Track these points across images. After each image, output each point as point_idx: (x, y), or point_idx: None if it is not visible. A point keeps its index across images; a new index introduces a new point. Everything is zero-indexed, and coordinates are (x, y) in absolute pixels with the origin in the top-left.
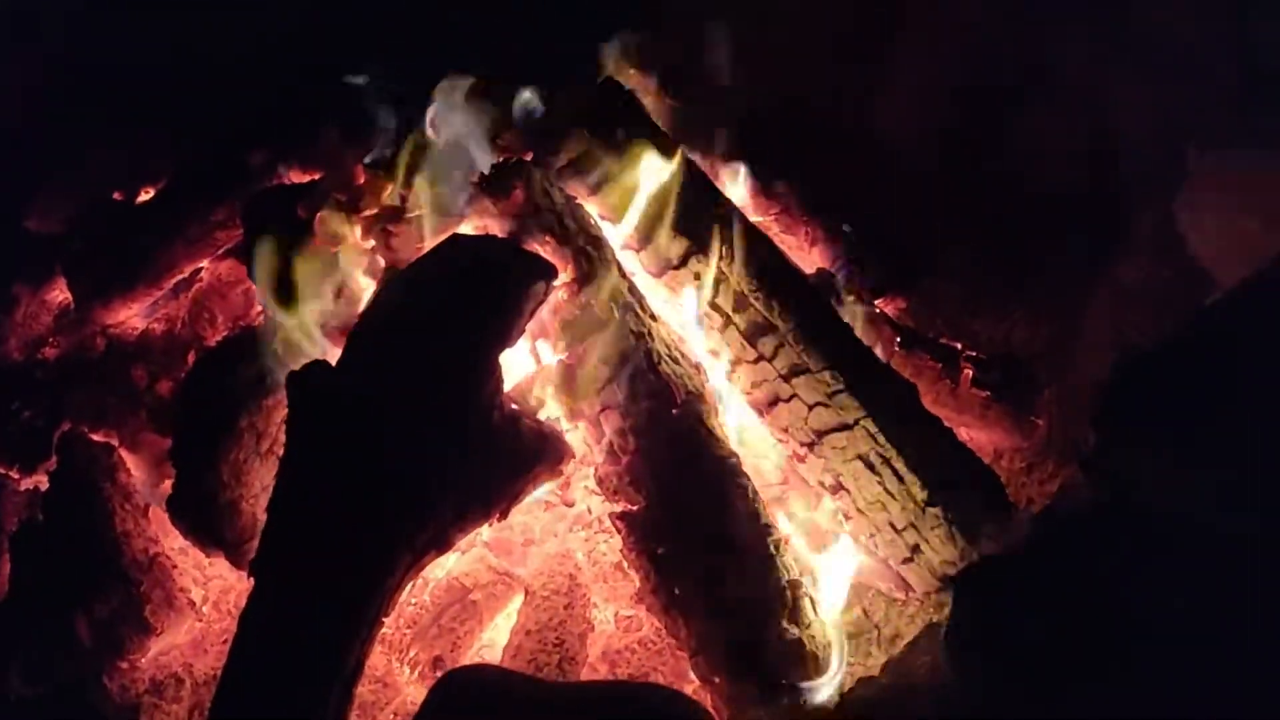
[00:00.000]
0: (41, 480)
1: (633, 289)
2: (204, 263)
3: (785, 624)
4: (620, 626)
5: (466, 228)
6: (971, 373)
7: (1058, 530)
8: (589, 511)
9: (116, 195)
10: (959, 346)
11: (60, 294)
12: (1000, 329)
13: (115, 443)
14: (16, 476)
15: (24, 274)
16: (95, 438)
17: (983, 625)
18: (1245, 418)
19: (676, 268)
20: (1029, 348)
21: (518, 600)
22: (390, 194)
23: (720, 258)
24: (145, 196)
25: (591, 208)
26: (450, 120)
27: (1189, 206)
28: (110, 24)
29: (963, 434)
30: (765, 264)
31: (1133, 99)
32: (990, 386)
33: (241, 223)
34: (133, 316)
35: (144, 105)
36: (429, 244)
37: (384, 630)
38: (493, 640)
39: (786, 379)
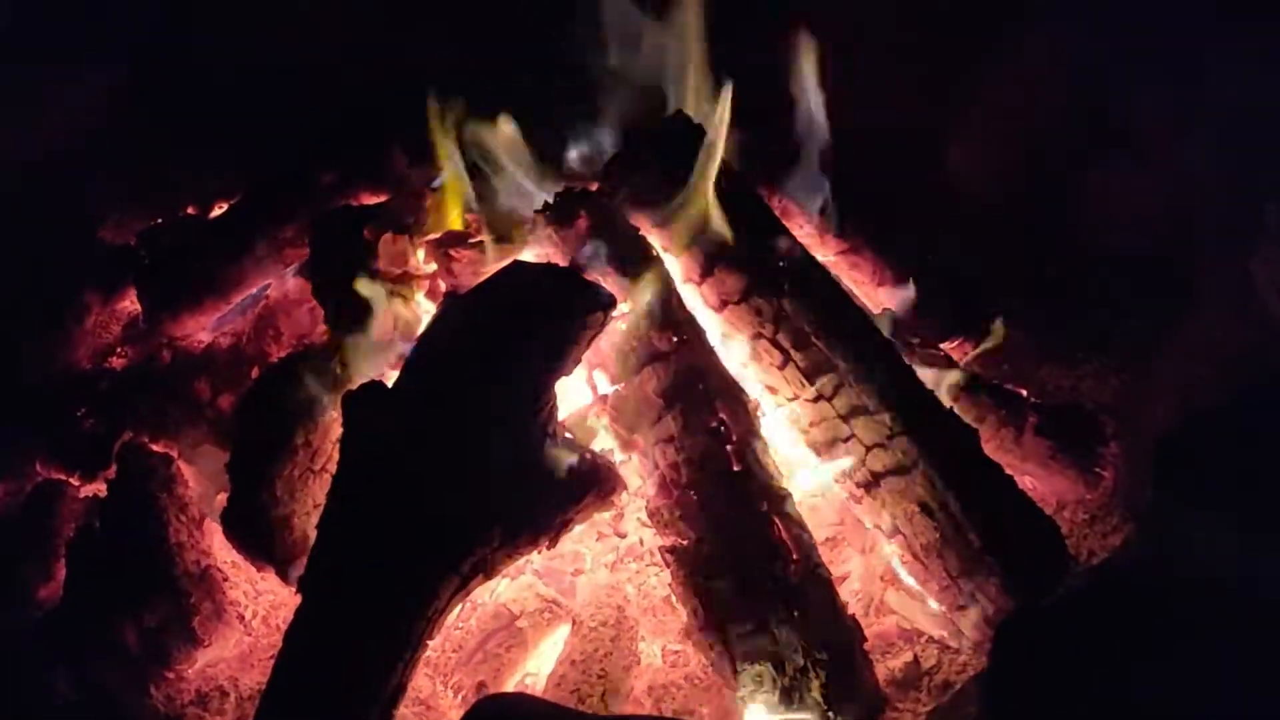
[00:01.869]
0: (100, 488)
1: (692, 322)
2: (271, 279)
3: (835, 670)
4: (667, 661)
5: (528, 255)
6: (1036, 421)
7: (1105, 584)
8: (641, 544)
9: (189, 210)
10: (1024, 394)
11: (130, 305)
12: (1068, 379)
13: (174, 454)
14: (76, 483)
15: (96, 283)
16: (155, 448)
17: (1021, 675)
18: None
19: (737, 302)
20: (1097, 399)
21: (564, 630)
22: (455, 218)
23: (782, 294)
24: (217, 212)
25: (654, 240)
26: (515, 148)
27: (1267, 264)
28: (187, 40)
29: (1025, 483)
30: (828, 302)
31: (1208, 155)
32: (1055, 436)
33: (309, 242)
34: (199, 330)
35: (219, 123)
36: (490, 270)
37: (429, 653)
38: (537, 669)
39: (845, 419)
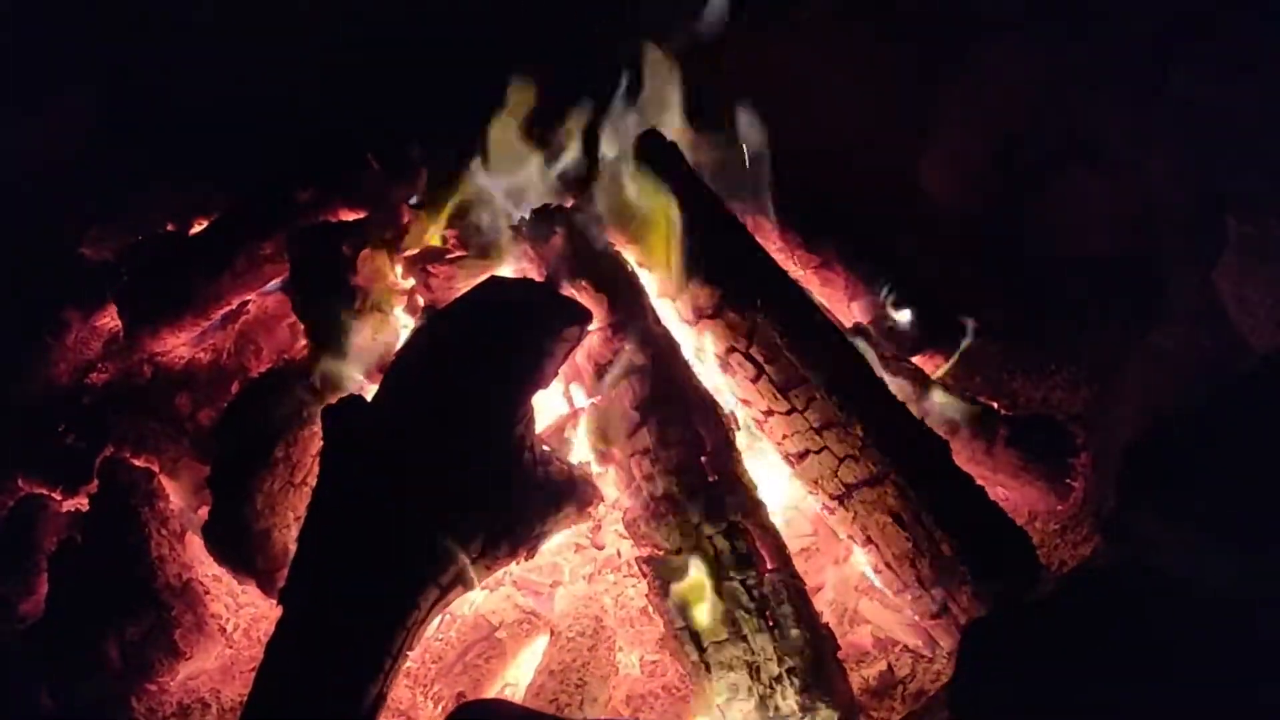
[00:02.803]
0: (82, 502)
1: (667, 336)
2: (251, 296)
3: (809, 678)
4: (645, 671)
5: (505, 270)
6: (1007, 432)
7: (1070, 589)
8: (618, 555)
9: (169, 227)
10: (995, 405)
11: (110, 321)
12: (1039, 390)
13: (156, 468)
14: (58, 498)
15: (76, 300)
16: (136, 463)
17: (986, 679)
18: (1270, 487)
19: (710, 316)
20: (1067, 410)
21: (543, 640)
22: (432, 235)
23: (755, 308)
24: (196, 229)
25: (629, 255)
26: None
27: (1229, 275)
28: (165, 60)
29: (996, 494)
30: (800, 316)
31: (1172, 167)
32: (1026, 447)
33: (288, 258)
34: (180, 345)
35: (197, 140)
36: (468, 285)
37: (409, 664)
38: (516, 679)
39: (818, 431)
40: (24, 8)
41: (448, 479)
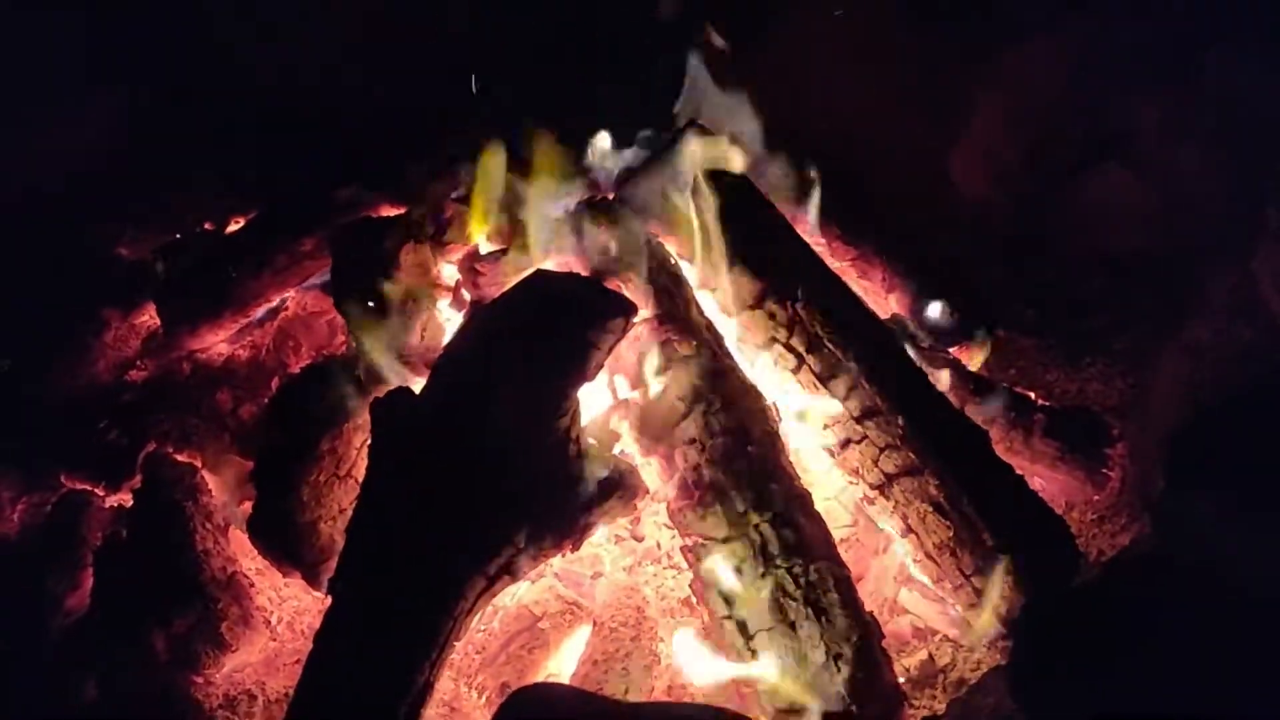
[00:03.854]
0: (126, 498)
1: (710, 327)
2: (290, 292)
3: (856, 665)
4: None
5: (551, 264)
6: (1044, 423)
7: (1122, 575)
8: (658, 547)
9: (207, 225)
10: (1032, 396)
11: (149, 319)
12: (1075, 381)
13: (198, 464)
14: (102, 494)
15: (115, 299)
16: (179, 458)
17: (1044, 661)
18: None
19: (752, 308)
20: (1103, 401)
21: (585, 630)
22: (475, 229)
23: (795, 299)
24: (235, 226)
25: (671, 247)
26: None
27: (1269, 266)
28: (201, 58)
29: (1034, 484)
30: (840, 307)
31: (1207, 158)
32: (1063, 437)
33: (330, 253)
34: (219, 342)
35: (237, 136)
36: (514, 279)
37: (453, 655)
38: (559, 669)
39: (858, 421)
40: (57, 9)
41: (495, 471)
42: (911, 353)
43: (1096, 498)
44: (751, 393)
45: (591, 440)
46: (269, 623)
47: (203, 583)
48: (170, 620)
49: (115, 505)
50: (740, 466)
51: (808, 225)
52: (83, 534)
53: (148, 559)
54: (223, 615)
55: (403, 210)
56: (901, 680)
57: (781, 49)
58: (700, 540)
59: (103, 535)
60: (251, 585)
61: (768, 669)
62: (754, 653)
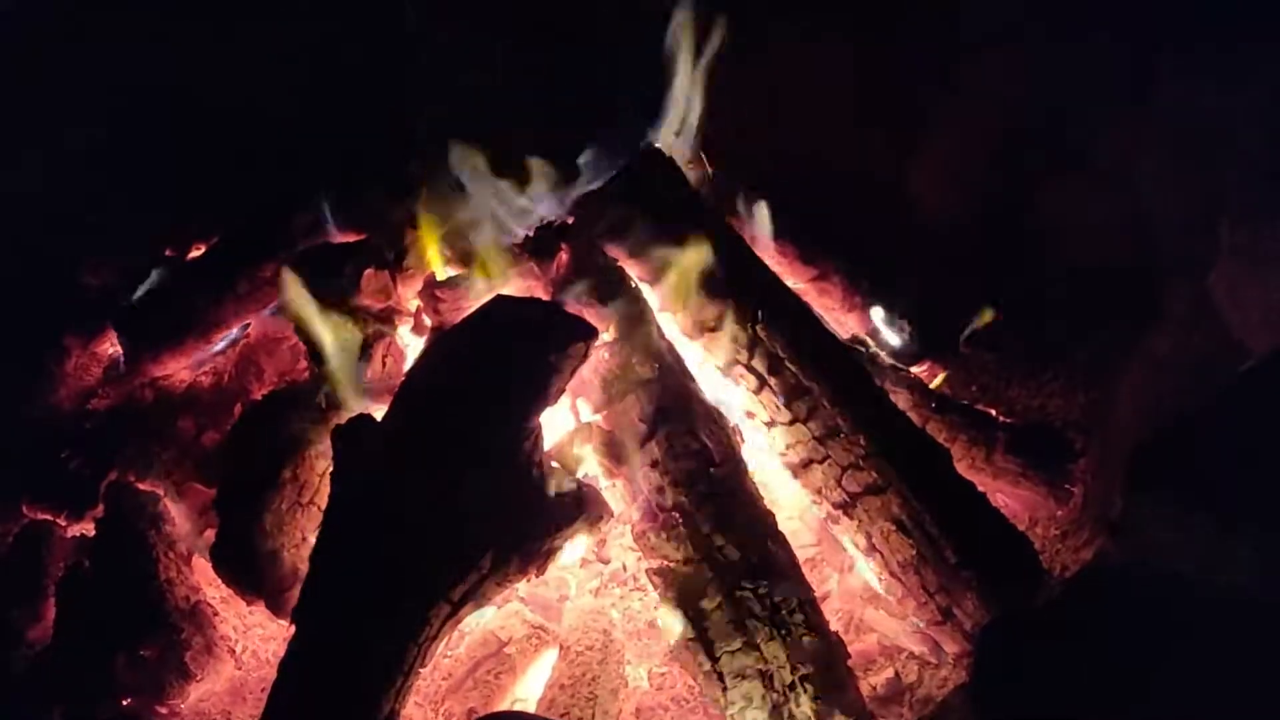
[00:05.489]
0: (88, 527)
1: (671, 350)
2: (252, 318)
3: (822, 685)
4: (654, 684)
5: (511, 289)
6: (1006, 440)
7: (1084, 589)
8: (624, 569)
9: (168, 252)
10: (994, 413)
11: (111, 346)
12: (1036, 398)
13: (161, 492)
14: (64, 523)
15: (76, 326)
16: (142, 487)
17: (1007, 675)
18: (1274, 484)
19: (713, 330)
20: (1065, 416)
21: (552, 655)
22: (434, 254)
23: (756, 321)
24: (196, 253)
25: (631, 270)
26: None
27: (1224, 279)
28: (164, 83)
29: (997, 501)
30: (801, 328)
31: (1165, 174)
32: (1025, 454)
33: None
34: (181, 369)
35: (196, 163)
36: (475, 304)
37: (419, 682)
38: (527, 694)
39: (821, 441)
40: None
41: (458, 497)
42: (872, 372)
43: (1059, 513)
44: (714, 415)
45: (555, 464)
46: (234, 652)
47: (166, 612)
48: (134, 650)
49: (78, 535)
50: (703, 488)
51: (765, 245)
52: (45, 564)
53: (111, 589)
54: (187, 645)
55: (363, 236)
56: (868, 698)
57: (740, 64)
58: (665, 563)
59: (65, 565)
60: (216, 614)
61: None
62: (719, 674)
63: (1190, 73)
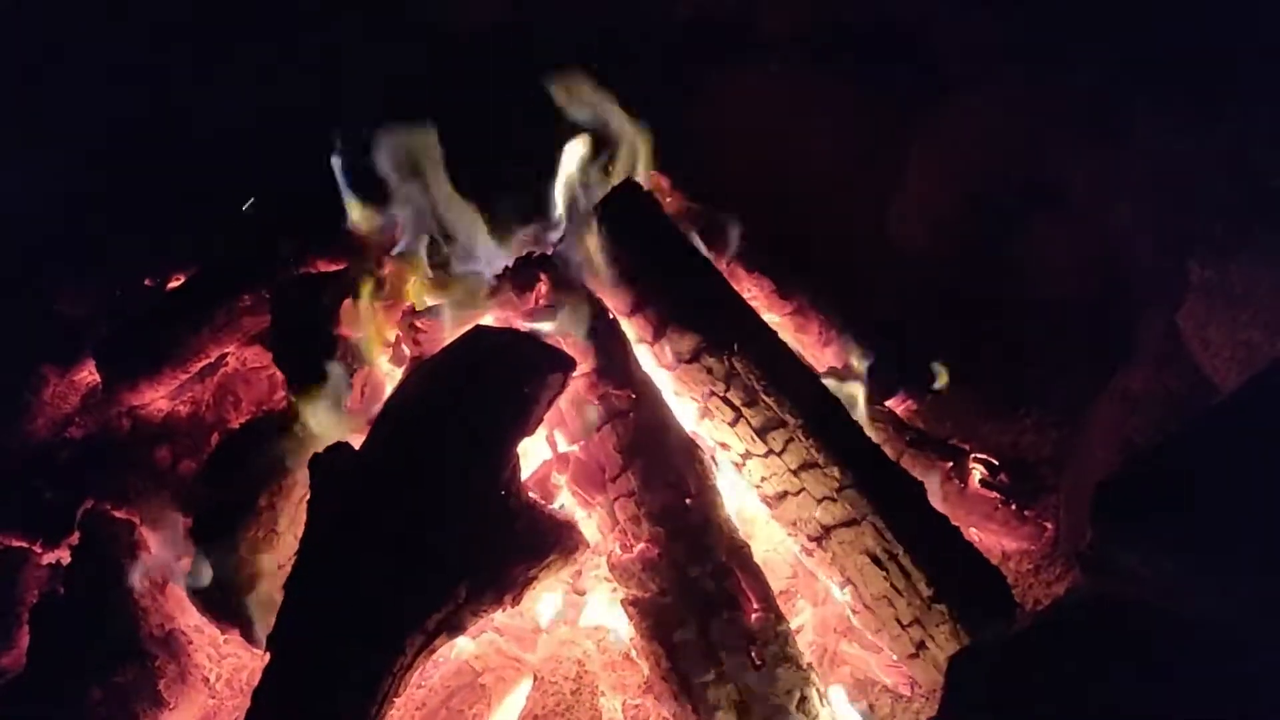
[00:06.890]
0: (64, 554)
1: (648, 381)
2: (230, 348)
3: (795, 715)
4: (628, 715)
5: (489, 319)
6: (980, 474)
7: (1053, 621)
8: (600, 600)
9: (146, 281)
10: (968, 448)
11: (88, 375)
12: (1009, 433)
13: (136, 520)
14: (39, 550)
15: (53, 355)
16: (117, 515)
17: (975, 707)
18: (1243, 517)
19: (689, 361)
20: (1037, 452)
21: (526, 685)
22: (413, 285)
23: (732, 353)
24: (174, 283)
25: (609, 302)
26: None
27: (1193, 318)
28: (143, 112)
29: (971, 535)
30: (776, 361)
31: (1137, 213)
32: (999, 488)
33: (270, 309)
34: (159, 398)
35: (175, 193)
36: (453, 334)
37: (393, 711)
38: None
39: (795, 473)
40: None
41: (435, 526)
42: (848, 406)
43: (1032, 547)
44: (690, 446)
45: (532, 494)
46: (208, 680)
47: (140, 640)
48: (108, 678)
49: (52, 562)
50: (679, 520)
51: (742, 279)
52: (18, 592)
53: (85, 616)
54: (160, 673)
55: (342, 266)
56: None
57: (717, 102)
58: (640, 594)
59: (39, 592)
60: (190, 642)
61: None
62: (694, 706)
63: (1161, 115)
